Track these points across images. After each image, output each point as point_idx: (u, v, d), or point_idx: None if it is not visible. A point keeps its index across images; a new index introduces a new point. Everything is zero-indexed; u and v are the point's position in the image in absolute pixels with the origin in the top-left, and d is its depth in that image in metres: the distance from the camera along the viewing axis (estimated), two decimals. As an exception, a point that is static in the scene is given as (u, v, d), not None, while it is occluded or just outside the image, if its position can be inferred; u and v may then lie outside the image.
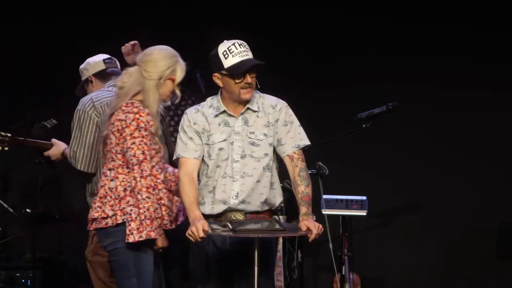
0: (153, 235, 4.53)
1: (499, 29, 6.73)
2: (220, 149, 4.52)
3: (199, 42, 4.92)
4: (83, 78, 5.22)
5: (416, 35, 6.81)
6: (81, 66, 5.24)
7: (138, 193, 4.55)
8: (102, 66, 5.18)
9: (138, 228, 4.52)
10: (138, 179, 4.55)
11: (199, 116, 4.57)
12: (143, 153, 4.56)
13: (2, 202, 6.37)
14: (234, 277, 4.60)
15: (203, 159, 4.55)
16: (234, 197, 4.50)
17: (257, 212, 4.55)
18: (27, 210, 5.85)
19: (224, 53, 4.45)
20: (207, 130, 4.54)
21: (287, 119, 4.57)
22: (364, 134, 5.70)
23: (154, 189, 4.57)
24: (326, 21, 6.95)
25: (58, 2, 7.00)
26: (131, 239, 4.51)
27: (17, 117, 5.60)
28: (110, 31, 6.87)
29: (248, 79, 4.45)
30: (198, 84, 5.74)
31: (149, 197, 4.54)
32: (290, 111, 4.60)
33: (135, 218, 4.53)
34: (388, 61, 6.82)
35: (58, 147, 5.18)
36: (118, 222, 4.56)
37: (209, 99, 4.63)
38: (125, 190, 4.59)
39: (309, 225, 4.36)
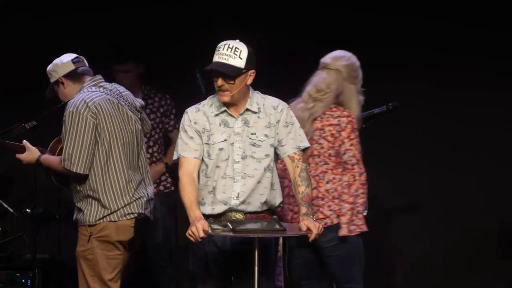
0: (364, 228, 4.97)
1: (500, 28, 6.73)
2: (220, 149, 4.52)
3: (199, 42, 4.91)
4: (53, 80, 5.14)
5: (416, 34, 6.81)
6: (49, 68, 5.16)
7: (356, 189, 4.95)
8: (72, 67, 5.12)
9: (348, 222, 4.91)
10: (358, 177, 4.96)
11: (200, 116, 4.57)
12: (359, 152, 4.97)
13: (2, 202, 6.36)
14: (234, 277, 4.61)
15: (202, 158, 4.56)
16: (235, 198, 4.51)
17: (256, 212, 4.56)
18: (27, 210, 5.84)
19: (215, 51, 4.50)
20: (207, 130, 4.55)
21: (288, 120, 4.58)
22: (364, 134, 5.70)
23: (365, 185, 4.98)
24: (326, 20, 6.95)
25: (56, 1, 6.99)
26: (341, 232, 4.91)
27: (15, 120, 5.58)
28: (110, 30, 6.87)
29: (218, 82, 4.47)
30: (199, 84, 5.73)
31: (363, 193, 4.97)
32: (291, 113, 4.63)
33: (346, 212, 4.91)
34: (388, 61, 6.82)
35: (31, 154, 5.12)
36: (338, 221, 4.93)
37: (210, 98, 4.64)
38: (342, 189, 4.94)
39: (309, 225, 4.37)
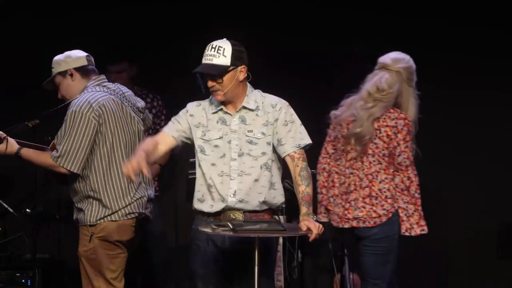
0: (426, 229, 5.11)
1: (500, 28, 6.73)
2: (216, 146, 4.54)
3: (199, 42, 4.91)
4: (60, 70, 5.10)
5: (416, 34, 6.80)
6: (59, 58, 5.12)
7: (415, 191, 5.12)
8: (85, 62, 5.11)
9: (417, 223, 5.10)
10: (413, 178, 5.13)
11: (199, 111, 4.62)
12: (412, 154, 5.14)
13: (2, 202, 6.36)
14: (234, 276, 4.61)
15: (197, 155, 4.59)
16: (232, 195, 4.52)
17: (256, 212, 4.56)
18: (27, 210, 5.84)
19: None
20: (203, 125, 4.57)
21: (288, 118, 4.58)
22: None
23: (419, 187, 5.12)
24: (326, 20, 6.95)
25: (56, 1, 6.99)
26: (413, 232, 5.11)
27: (16, 120, 5.57)
28: (110, 30, 6.86)
29: (208, 83, 4.52)
30: (199, 84, 5.73)
31: (420, 194, 5.11)
32: (291, 111, 4.62)
33: (413, 213, 5.09)
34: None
35: (10, 146, 5.01)
36: (388, 218, 5.06)
37: (211, 97, 4.66)
38: (395, 189, 5.10)
39: (309, 225, 4.37)
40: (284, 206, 4.73)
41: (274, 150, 4.60)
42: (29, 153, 5.03)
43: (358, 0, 6.92)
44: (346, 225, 5.15)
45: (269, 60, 6.58)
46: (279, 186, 4.63)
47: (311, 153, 4.81)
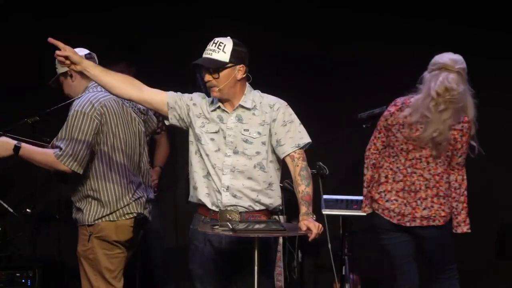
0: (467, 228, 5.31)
1: (500, 28, 6.73)
2: (212, 139, 4.55)
3: (199, 42, 4.91)
4: (62, 70, 5.09)
5: (416, 34, 6.81)
6: None
7: (465, 189, 5.30)
8: None
9: (464, 221, 5.30)
10: (465, 177, 5.32)
11: (203, 103, 4.63)
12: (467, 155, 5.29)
13: (2, 202, 6.36)
14: (232, 277, 4.61)
15: (193, 143, 4.60)
16: (225, 190, 4.51)
17: (252, 211, 4.55)
18: (27, 210, 5.84)
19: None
20: (204, 116, 4.58)
21: (286, 118, 4.57)
22: (365, 134, 5.69)
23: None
24: (326, 20, 6.95)
25: (56, 1, 6.99)
26: (460, 230, 5.31)
27: (15, 120, 5.57)
28: (110, 30, 6.86)
29: (205, 77, 4.54)
30: (199, 84, 5.74)
31: (467, 192, 5.30)
32: (290, 111, 4.61)
33: (460, 211, 5.27)
34: (388, 61, 6.82)
35: (6, 146, 4.89)
36: (450, 217, 5.28)
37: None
38: (451, 188, 5.28)
39: (309, 224, 4.36)
40: (281, 207, 4.72)
41: (273, 151, 4.60)
42: (29, 149, 4.90)
43: (358, 0, 6.92)
44: (413, 224, 5.28)
45: (269, 60, 6.58)
46: (276, 187, 4.62)
47: (312, 153, 4.81)
